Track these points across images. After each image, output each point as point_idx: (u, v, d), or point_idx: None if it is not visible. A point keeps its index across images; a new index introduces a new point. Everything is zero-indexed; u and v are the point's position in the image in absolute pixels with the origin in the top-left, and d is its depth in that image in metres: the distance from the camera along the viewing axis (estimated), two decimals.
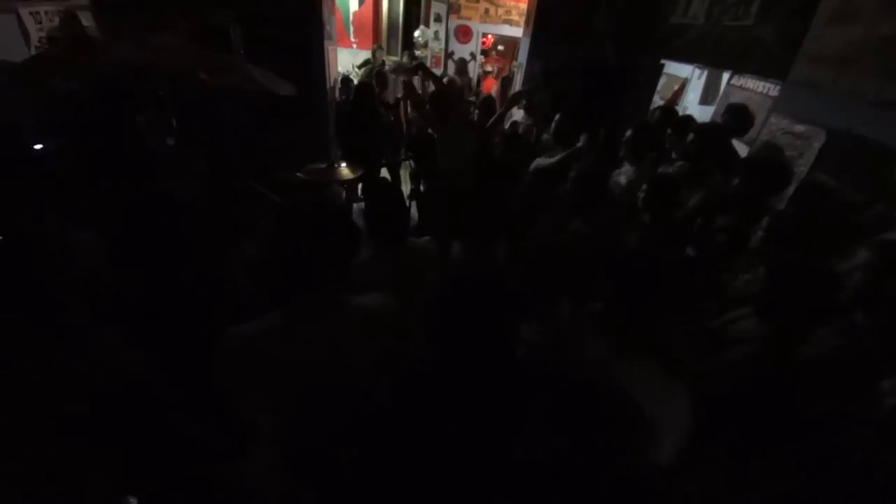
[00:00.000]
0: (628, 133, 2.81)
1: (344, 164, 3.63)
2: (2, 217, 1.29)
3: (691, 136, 2.67)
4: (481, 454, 0.96)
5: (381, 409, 1.10)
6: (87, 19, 3.45)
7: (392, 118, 5.17)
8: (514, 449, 0.95)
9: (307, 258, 1.09)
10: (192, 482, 1.11)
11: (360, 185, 4.50)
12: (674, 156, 2.89)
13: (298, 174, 3.52)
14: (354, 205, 4.96)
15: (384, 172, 4.93)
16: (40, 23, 3.41)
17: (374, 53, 7.07)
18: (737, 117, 2.92)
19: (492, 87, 7.52)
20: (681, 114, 3.60)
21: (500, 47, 8.70)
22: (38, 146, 2.16)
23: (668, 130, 2.97)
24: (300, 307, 1.13)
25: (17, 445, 0.92)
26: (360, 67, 7.21)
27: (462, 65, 6.63)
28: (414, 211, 2.97)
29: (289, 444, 1.18)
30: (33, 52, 3.30)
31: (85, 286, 1.01)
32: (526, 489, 0.92)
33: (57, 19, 3.42)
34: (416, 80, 5.96)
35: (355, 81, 5.62)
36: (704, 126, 2.82)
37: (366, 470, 1.10)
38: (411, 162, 3.22)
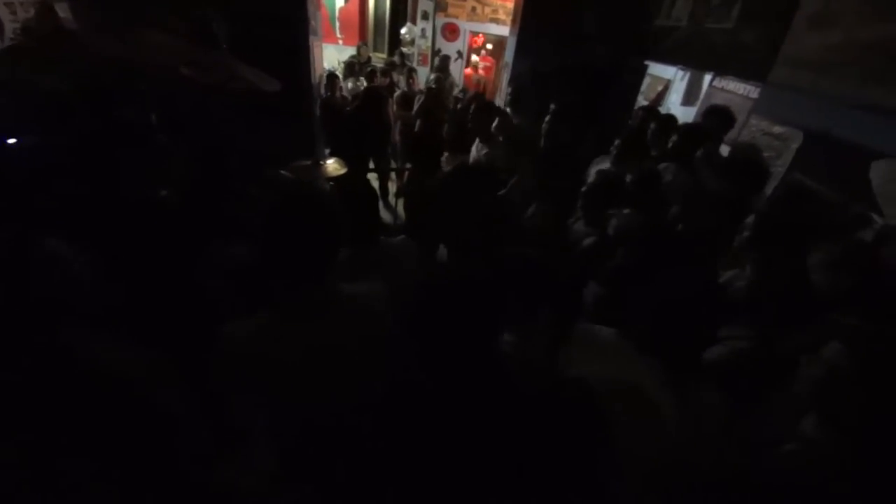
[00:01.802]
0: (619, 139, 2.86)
1: (330, 161, 3.61)
2: None
3: (675, 135, 2.72)
4: (470, 459, 0.96)
5: (377, 411, 1.09)
6: (63, 11, 3.35)
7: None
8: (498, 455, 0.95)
9: (304, 248, 1.09)
10: (186, 485, 1.09)
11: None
12: (654, 153, 2.93)
13: (283, 171, 3.47)
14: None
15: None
16: (14, 13, 3.32)
17: (358, 50, 7.05)
18: (719, 118, 2.98)
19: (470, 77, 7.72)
20: (663, 114, 3.65)
21: (489, 46, 8.72)
22: (10, 141, 2.10)
23: (652, 126, 3.01)
24: (299, 302, 1.14)
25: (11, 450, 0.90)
26: (345, 63, 7.18)
27: (444, 62, 6.52)
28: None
29: (285, 445, 1.17)
30: (7, 43, 3.20)
31: (69, 291, 0.98)
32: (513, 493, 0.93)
33: (32, 11, 3.32)
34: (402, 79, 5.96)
35: (341, 78, 5.58)
36: (689, 126, 2.87)
37: (360, 472, 1.09)
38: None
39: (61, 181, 1.74)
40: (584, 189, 2.38)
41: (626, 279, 1.88)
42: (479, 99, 4.53)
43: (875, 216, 2.12)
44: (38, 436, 0.91)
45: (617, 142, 2.86)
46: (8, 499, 0.89)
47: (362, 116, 4.26)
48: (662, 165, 2.80)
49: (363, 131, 4.24)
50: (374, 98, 4.32)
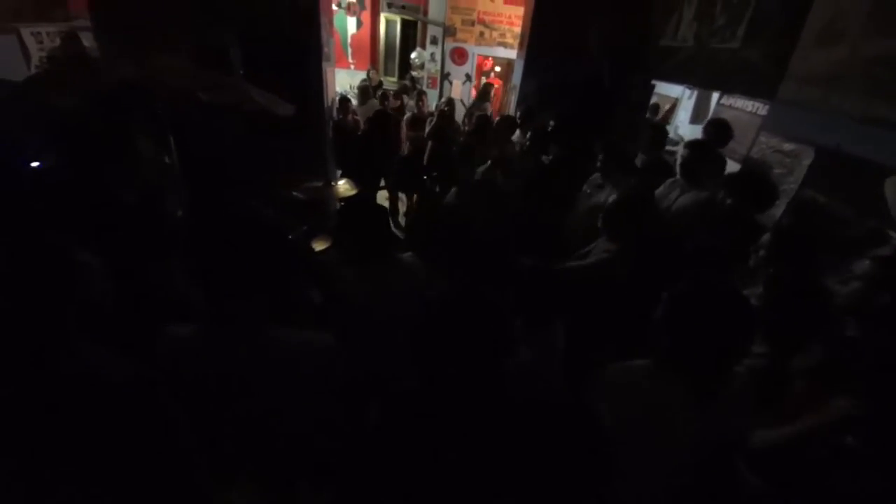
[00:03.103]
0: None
1: (341, 182, 3.66)
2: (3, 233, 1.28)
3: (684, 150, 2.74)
4: (463, 469, 0.94)
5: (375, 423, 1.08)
6: (88, 40, 3.50)
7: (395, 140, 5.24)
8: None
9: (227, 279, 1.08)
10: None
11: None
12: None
13: (295, 193, 3.53)
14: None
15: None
16: (41, 42, 3.46)
17: (368, 74, 7.24)
18: (715, 129, 3.15)
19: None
20: (672, 133, 3.68)
21: (497, 69, 8.89)
22: (36, 163, 2.17)
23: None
24: (215, 327, 1.13)
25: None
26: (357, 88, 7.35)
27: (487, 89, 6.49)
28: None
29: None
30: (33, 71, 3.33)
31: (88, 304, 0.99)
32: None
33: (58, 40, 3.46)
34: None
35: (353, 102, 5.70)
36: (693, 141, 2.91)
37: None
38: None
39: (83, 197, 1.78)
40: (608, 205, 2.24)
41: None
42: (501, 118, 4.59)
43: (891, 232, 2.09)
44: (35, 445, 0.91)
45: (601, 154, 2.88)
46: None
47: (372, 138, 4.34)
48: (670, 181, 2.81)
49: (373, 152, 4.32)
50: (382, 120, 4.41)
